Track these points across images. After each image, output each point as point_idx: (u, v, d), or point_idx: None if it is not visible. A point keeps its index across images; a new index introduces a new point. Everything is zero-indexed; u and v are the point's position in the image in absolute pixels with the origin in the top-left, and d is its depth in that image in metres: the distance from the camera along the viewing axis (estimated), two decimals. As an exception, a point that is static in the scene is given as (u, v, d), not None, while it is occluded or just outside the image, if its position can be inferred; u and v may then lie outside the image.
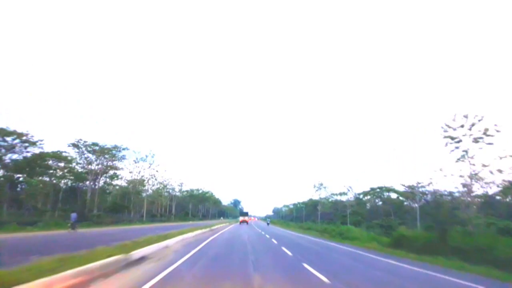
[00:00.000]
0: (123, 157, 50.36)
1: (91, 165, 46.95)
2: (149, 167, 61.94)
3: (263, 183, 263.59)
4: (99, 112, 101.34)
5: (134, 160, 58.76)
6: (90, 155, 47.18)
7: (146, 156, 61.30)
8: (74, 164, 45.82)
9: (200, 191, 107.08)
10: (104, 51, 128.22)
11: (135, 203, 63.44)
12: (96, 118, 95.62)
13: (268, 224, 43.62)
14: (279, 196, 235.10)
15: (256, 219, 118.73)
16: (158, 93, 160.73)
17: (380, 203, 69.25)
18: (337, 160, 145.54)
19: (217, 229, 38.10)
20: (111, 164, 48.90)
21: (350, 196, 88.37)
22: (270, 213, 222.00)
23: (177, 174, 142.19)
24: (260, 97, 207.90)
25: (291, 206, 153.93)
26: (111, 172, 50.25)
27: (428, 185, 28.69)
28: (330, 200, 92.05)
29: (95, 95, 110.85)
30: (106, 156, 48.69)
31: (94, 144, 48.59)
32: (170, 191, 78.50)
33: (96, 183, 50.22)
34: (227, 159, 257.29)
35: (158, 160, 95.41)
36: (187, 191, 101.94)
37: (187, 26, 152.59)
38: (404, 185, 44.63)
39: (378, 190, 66.89)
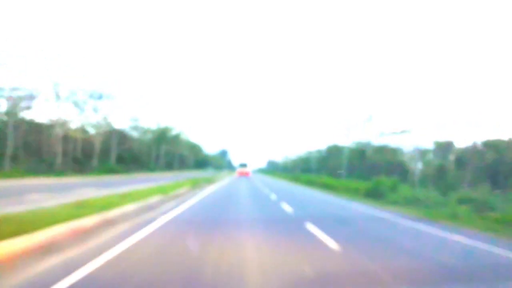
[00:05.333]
0: None
1: None
2: None
3: (254, 133, 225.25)
4: None
5: None
6: None
7: None
8: None
9: (161, 128, 66.51)
10: None
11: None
12: None
13: None
14: (274, 147, 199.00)
15: (251, 172, 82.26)
16: None
17: None
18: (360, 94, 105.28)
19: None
20: None
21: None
22: (264, 166, 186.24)
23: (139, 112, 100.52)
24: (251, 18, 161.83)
25: (294, 158, 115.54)
26: None
27: None
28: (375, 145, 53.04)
29: None
30: None
31: None
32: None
33: None
34: (212, 103, 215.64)
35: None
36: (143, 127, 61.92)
37: None
38: None
39: None
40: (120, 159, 46.97)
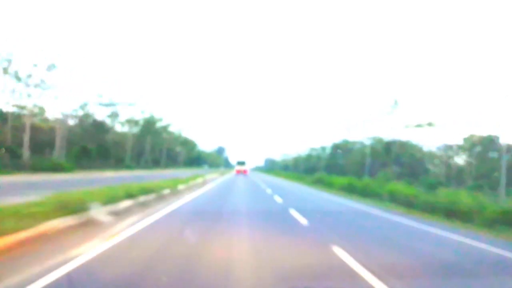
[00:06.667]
0: None
1: None
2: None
3: (252, 131, 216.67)
4: None
5: None
6: None
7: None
8: None
9: (146, 118, 57.50)
10: None
11: None
12: None
13: None
14: (271, 146, 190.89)
15: (249, 170, 78.37)
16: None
17: None
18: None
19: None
20: None
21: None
22: (261, 164, 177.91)
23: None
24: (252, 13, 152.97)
25: (294, 156, 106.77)
26: None
27: None
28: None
29: None
30: None
31: None
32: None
33: None
34: (210, 100, 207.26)
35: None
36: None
37: None
38: None
39: None
40: (84, 154, 38.37)
